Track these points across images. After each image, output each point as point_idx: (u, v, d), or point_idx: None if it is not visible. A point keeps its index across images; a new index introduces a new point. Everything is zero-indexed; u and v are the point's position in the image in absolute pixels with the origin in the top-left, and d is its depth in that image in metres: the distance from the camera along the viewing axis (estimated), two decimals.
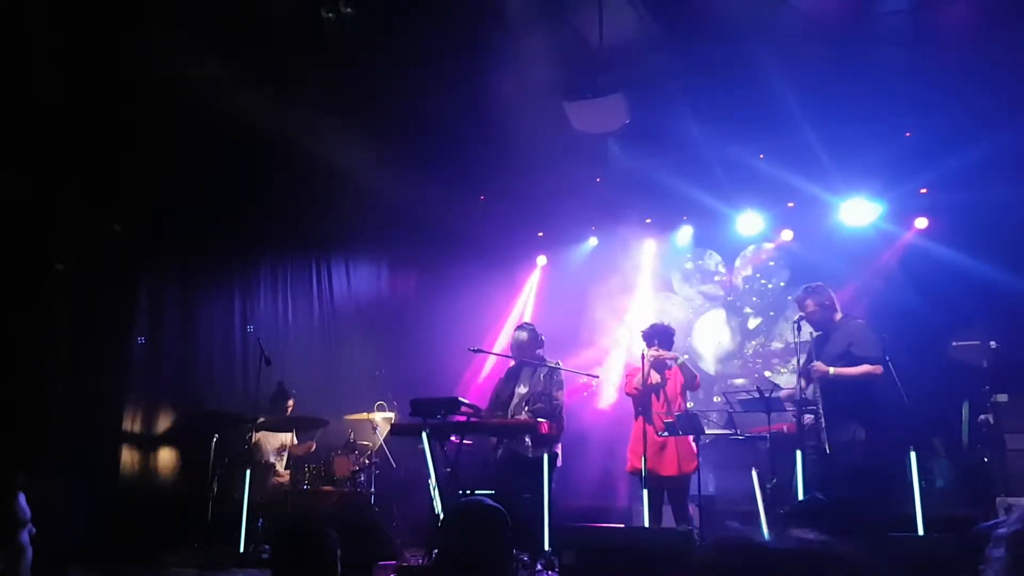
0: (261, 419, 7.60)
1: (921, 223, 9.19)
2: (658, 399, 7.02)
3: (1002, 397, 7.02)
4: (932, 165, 8.44)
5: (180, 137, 7.55)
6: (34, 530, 2.32)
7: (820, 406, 6.30)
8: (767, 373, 9.99)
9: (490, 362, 9.99)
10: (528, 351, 7.23)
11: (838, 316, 6.71)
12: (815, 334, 6.75)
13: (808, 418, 6.52)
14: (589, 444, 8.98)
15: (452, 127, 8.53)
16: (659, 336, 7.13)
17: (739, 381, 9.87)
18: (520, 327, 7.50)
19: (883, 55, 7.32)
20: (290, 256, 9.80)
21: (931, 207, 9.08)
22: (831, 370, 6.35)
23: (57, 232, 7.06)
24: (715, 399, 9.03)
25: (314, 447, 8.06)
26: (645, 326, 7.32)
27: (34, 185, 6.81)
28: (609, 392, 9.68)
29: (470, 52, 7.32)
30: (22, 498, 2.25)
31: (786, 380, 8.95)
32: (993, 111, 7.86)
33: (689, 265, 10.92)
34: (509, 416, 7.00)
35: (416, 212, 10.19)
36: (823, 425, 6.25)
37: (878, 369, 6.33)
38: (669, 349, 7.16)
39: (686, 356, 7.38)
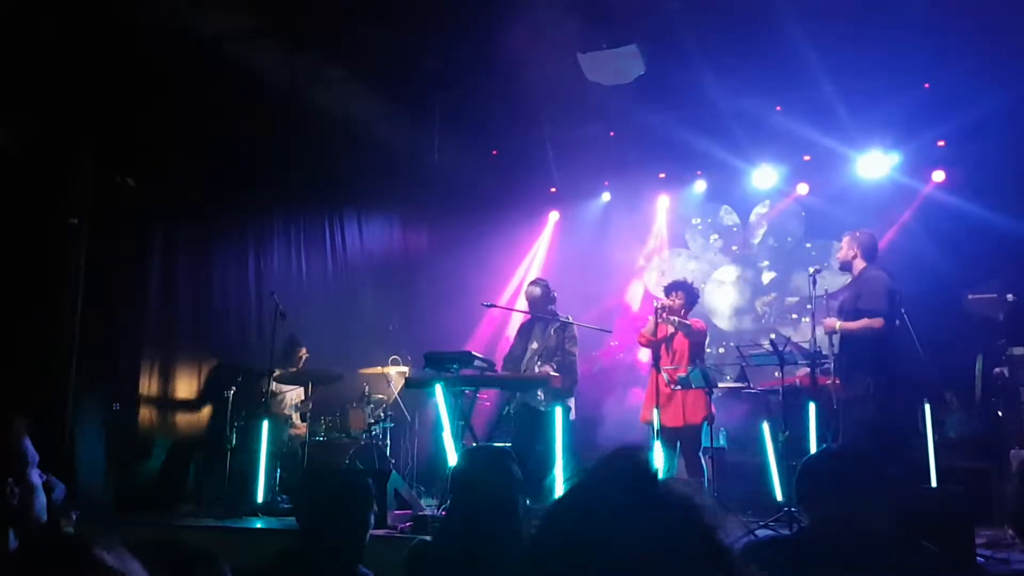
0: (277, 372, 7.65)
1: (938, 176, 9.11)
2: (667, 352, 7.03)
3: (1018, 350, 6.97)
4: (950, 116, 8.34)
5: (194, 92, 7.52)
6: (50, 481, 2.31)
7: (833, 361, 6.25)
8: (781, 328, 9.98)
9: (516, 319, 10.02)
10: (541, 306, 7.25)
11: (861, 266, 6.41)
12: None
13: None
14: (604, 397, 9.01)
15: (465, 81, 8.46)
16: (679, 290, 7.13)
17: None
18: (533, 283, 7.50)
19: (902, 4, 7.19)
20: (303, 211, 9.77)
21: (949, 159, 8.99)
22: (838, 325, 6.25)
23: (70, 186, 7.06)
24: (727, 365, 9.03)
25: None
26: (668, 281, 7.34)
27: (47, 139, 6.80)
28: (622, 345, 9.69)
29: (483, 4, 7.23)
30: (27, 441, 2.24)
31: (800, 334, 8.97)
32: (1012, 61, 7.74)
33: (703, 220, 10.86)
34: (522, 371, 7.03)
35: (429, 167, 10.15)
36: (835, 380, 6.21)
37: (876, 322, 6.06)
38: (691, 307, 7.17)
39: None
